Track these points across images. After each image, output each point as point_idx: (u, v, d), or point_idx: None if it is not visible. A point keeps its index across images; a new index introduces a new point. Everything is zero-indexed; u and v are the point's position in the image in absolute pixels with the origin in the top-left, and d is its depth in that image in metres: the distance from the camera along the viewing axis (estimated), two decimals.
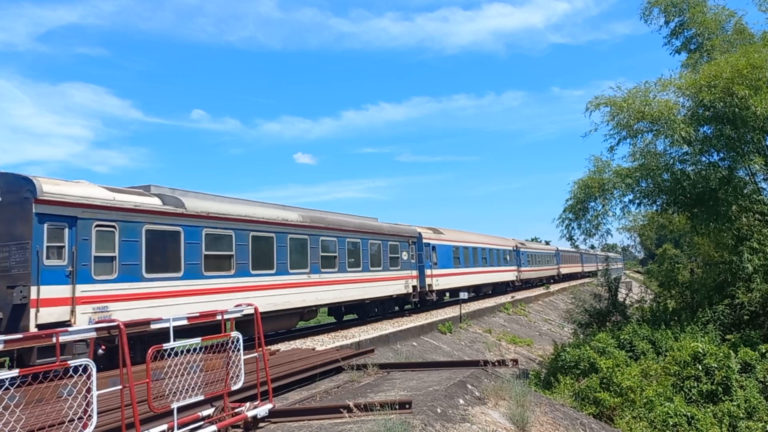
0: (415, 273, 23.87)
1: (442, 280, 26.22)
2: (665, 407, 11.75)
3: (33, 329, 9.59)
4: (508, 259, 38.57)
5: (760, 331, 16.82)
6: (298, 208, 18.59)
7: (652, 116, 17.42)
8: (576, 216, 19.24)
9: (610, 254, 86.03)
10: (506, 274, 37.99)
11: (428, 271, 24.81)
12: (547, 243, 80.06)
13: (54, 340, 5.16)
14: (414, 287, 23.65)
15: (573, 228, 19.50)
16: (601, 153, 19.77)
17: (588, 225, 19.22)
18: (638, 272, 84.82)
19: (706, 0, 21.56)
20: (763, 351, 14.89)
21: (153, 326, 6.19)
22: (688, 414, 11.66)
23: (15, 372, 4.53)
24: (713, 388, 12.93)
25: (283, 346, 14.45)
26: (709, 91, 16.74)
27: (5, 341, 4.91)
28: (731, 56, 17.63)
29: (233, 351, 6.81)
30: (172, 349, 5.97)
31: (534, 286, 46.11)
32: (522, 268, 41.83)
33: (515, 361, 10.98)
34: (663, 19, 22.07)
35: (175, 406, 5.90)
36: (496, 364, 10.61)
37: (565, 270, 60.12)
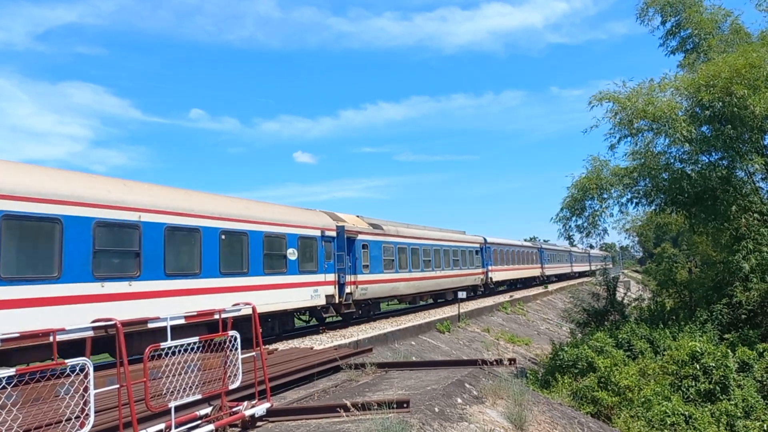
0: None
1: None
2: (663, 406, 11.77)
3: None
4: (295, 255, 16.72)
5: (757, 331, 16.84)
6: None
7: (653, 115, 17.43)
8: (573, 214, 19.24)
9: (594, 251, 69.48)
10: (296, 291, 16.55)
11: None
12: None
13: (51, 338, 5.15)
14: None
15: (570, 226, 19.50)
16: (599, 153, 19.80)
17: (585, 223, 19.22)
18: (637, 272, 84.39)
19: (702, 0, 21.59)
20: (761, 350, 14.93)
21: (150, 325, 6.18)
22: (686, 413, 11.68)
23: (12, 371, 4.52)
24: (711, 387, 12.95)
25: (281, 345, 14.45)
26: (707, 91, 16.75)
27: (2, 340, 4.91)
28: (729, 56, 17.64)
29: (231, 350, 6.80)
30: (169, 347, 5.97)
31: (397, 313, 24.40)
32: (356, 277, 19.76)
33: (513, 360, 10.99)
34: (659, 20, 22.08)
35: (172, 405, 5.89)
36: (494, 363, 10.62)
37: (500, 275, 36.86)
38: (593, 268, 71.55)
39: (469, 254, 32.07)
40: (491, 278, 35.16)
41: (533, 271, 46.17)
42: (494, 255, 36.10)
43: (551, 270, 52.48)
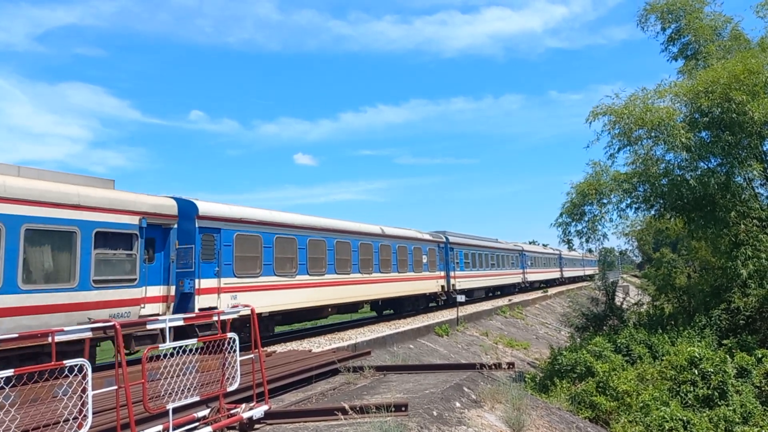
0: None
1: None
2: (661, 411, 11.75)
3: None
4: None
5: (756, 336, 16.84)
6: None
7: (652, 123, 17.44)
8: (573, 219, 19.26)
9: (566, 252, 50.61)
10: None
11: None
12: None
13: (50, 339, 5.15)
14: None
15: (570, 231, 19.50)
16: (600, 158, 19.81)
17: (585, 228, 19.24)
18: (636, 276, 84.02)
19: (703, 6, 21.64)
20: (759, 356, 14.92)
21: (149, 326, 6.18)
22: (684, 418, 11.67)
23: (10, 372, 4.52)
24: (709, 392, 12.94)
25: (279, 348, 14.43)
26: (706, 97, 16.77)
27: (2, 340, 4.91)
28: (728, 62, 17.67)
29: (229, 352, 6.80)
30: (167, 349, 5.97)
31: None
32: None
33: (512, 364, 11.01)
34: (660, 26, 22.11)
35: (170, 406, 5.89)
36: (493, 367, 10.63)
37: (289, 297, 16.23)
38: (567, 275, 57.71)
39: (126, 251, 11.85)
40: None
41: (423, 284, 25.09)
42: (275, 249, 15.95)
43: (474, 281, 30.57)
